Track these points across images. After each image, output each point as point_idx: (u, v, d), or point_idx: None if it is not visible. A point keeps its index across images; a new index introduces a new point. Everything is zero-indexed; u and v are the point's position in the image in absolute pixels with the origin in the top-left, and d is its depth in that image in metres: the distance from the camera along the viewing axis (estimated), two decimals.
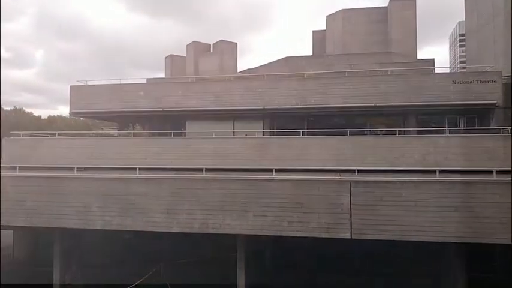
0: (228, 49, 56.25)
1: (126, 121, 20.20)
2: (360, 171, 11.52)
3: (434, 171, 10.79)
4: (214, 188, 10.83)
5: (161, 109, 18.78)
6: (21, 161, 16.39)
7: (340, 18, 52.28)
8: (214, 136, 16.20)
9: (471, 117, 17.85)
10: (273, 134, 19.07)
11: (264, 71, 24.26)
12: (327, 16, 53.50)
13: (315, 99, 17.56)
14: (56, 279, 13.73)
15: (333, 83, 17.85)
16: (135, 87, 19.67)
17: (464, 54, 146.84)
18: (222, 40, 56.09)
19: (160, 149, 16.34)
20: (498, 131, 15.21)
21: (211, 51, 57.95)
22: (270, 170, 11.37)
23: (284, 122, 19.35)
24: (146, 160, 15.41)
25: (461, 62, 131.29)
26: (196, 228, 10.81)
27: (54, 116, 69.18)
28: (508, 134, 14.11)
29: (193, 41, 56.76)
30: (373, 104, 16.96)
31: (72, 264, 14.43)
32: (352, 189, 9.98)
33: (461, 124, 17.86)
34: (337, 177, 10.44)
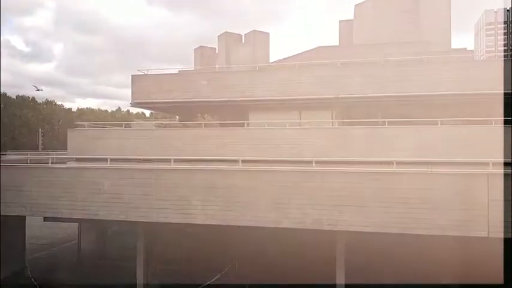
0: (260, 39, 55.22)
1: (188, 112, 19.59)
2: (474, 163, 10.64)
3: None
4: (329, 182, 10.06)
5: (227, 99, 18.11)
6: (92, 152, 16.02)
7: (369, 7, 50.87)
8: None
9: None
10: (344, 124, 18.18)
11: (293, 61, 23.36)
12: (356, 5, 52.02)
13: (395, 86, 16.61)
14: (140, 273, 13.27)
15: (413, 69, 16.84)
16: (199, 77, 19.04)
17: (491, 43, 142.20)
18: (254, 30, 55.06)
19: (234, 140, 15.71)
20: None
21: (243, 41, 57.14)
22: (380, 163, 10.58)
23: (355, 111, 18.44)
24: (232, 151, 14.78)
25: (487, 52, 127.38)
26: (308, 224, 10.10)
27: (83, 108, 69.64)
28: None
29: (225, 32, 55.84)
30: (460, 93, 15.93)
31: (152, 260, 13.96)
32: (490, 183, 9.09)
33: None
34: (471, 170, 9.55)
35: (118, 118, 68.73)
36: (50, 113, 57.77)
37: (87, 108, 70.06)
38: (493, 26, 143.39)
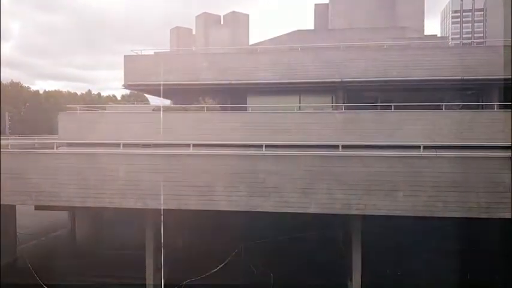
0: (239, 21, 54.19)
1: (185, 96, 18.88)
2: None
3: None
4: (357, 166, 9.99)
5: (228, 81, 17.61)
6: (87, 137, 15.16)
7: None
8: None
9: None
10: (345, 108, 18.18)
11: (273, 44, 23.11)
12: None
13: (398, 71, 16.70)
14: (149, 263, 12.81)
15: (418, 54, 16.98)
16: (197, 58, 18.36)
17: (457, 31, 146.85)
18: (233, 12, 53.96)
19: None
20: None
21: (222, 23, 55.86)
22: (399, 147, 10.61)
23: (356, 96, 18.46)
24: (232, 135, 14.44)
25: (453, 38, 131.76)
26: (337, 209, 10.03)
27: (50, 91, 66.08)
28: None
29: (204, 12, 54.29)
30: (460, 78, 16.28)
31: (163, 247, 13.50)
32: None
33: None
34: (498, 153, 9.75)
35: (89, 101, 66.01)
36: (15, 96, 54.42)
37: (55, 90, 66.56)
38: (459, 14, 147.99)
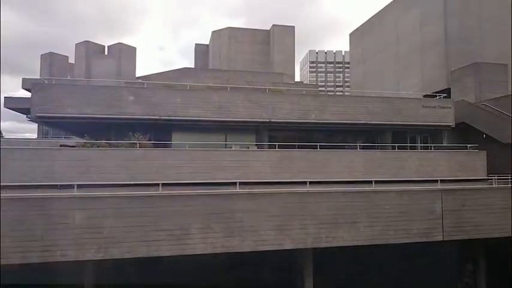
0: (126, 53, 52.44)
1: (106, 130, 17.24)
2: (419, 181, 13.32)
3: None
4: (325, 201, 10.87)
5: (158, 117, 16.94)
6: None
7: (226, 35, 55.48)
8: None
9: (425, 136, 21.88)
10: (269, 146, 19.29)
11: (160, 79, 24.06)
12: (213, 31, 56.16)
13: (315, 114, 18.72)
14: None
15: (330, 100, 19.39)
16: (121, 91, 17.14)
17: (314, 79, 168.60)
18: (120, 43, 52.05)
19: (177, 162, 14.90)
20: (461, 148, 19.13)
21: (106, 53, 52.94)
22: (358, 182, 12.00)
23: (278, 135, 19.78)
24: (165, 174, 13.90)
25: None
26: (309, 243, 10.63)
27: None
28: (474, 150, 18.12)
29: (86, 41, 50.95)
30: (364, 122, 19.17)
31: None
32: (443, 197, 11.54)
33: (419, 141, 21.72)
34: (431, 187, 11.85)
35: None
36: None
37: None
38: (315, 64, 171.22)
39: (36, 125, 39.06)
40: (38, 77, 44.33)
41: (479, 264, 13.73)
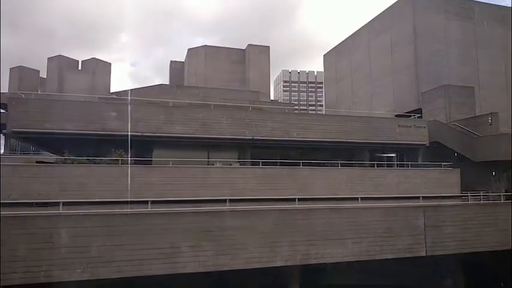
0: (101, 68, 51.66)
1: (83, 145, 16.77)
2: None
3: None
4: (315, 218, 11.01)
5: (140, 133, 16.70)
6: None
7: (202, 53, 55.96)
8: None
9: (401, 154, 22.66)
10: (251, 164, 19.34)
11: (138, 94, 24.07)
12: (189, 49, 56.68)
13: (297, 132, 19.03)
14: None
15: (312, 119, 19.81)
16: (103, 106, 16.85)
17: (287, 98, 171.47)
18: (94, 58, 51.28)
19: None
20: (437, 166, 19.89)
21: (80, 68, 51.93)
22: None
23: (260, 152, 19.89)
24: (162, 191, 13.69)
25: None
26: (298, 260, 10.68)
27: None
28: (449, 168, 18.92)
29: (59, 55, 49.88)
30: (344, 140, 19.65)
31: None
32: (425, 213, 11.96)
33: (395, 159, 22.47)
34: (412, 203, 12.25)
35: None
36: None
37: None
38: (288, 83, 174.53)
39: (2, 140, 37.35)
40: (7, 91, 42.82)
41: (459, 280, 14.19)
